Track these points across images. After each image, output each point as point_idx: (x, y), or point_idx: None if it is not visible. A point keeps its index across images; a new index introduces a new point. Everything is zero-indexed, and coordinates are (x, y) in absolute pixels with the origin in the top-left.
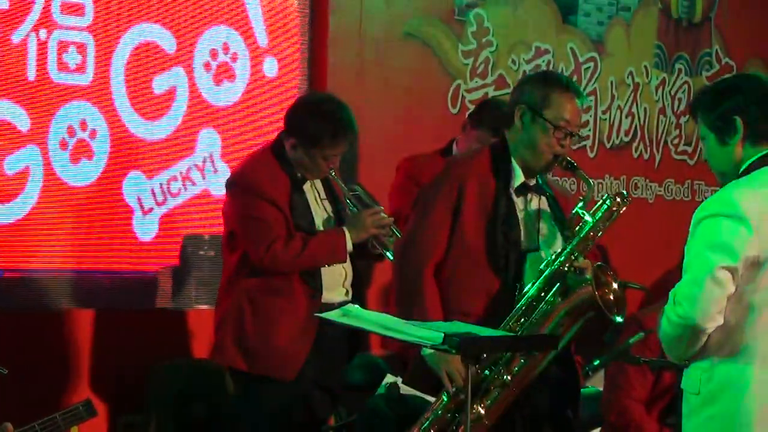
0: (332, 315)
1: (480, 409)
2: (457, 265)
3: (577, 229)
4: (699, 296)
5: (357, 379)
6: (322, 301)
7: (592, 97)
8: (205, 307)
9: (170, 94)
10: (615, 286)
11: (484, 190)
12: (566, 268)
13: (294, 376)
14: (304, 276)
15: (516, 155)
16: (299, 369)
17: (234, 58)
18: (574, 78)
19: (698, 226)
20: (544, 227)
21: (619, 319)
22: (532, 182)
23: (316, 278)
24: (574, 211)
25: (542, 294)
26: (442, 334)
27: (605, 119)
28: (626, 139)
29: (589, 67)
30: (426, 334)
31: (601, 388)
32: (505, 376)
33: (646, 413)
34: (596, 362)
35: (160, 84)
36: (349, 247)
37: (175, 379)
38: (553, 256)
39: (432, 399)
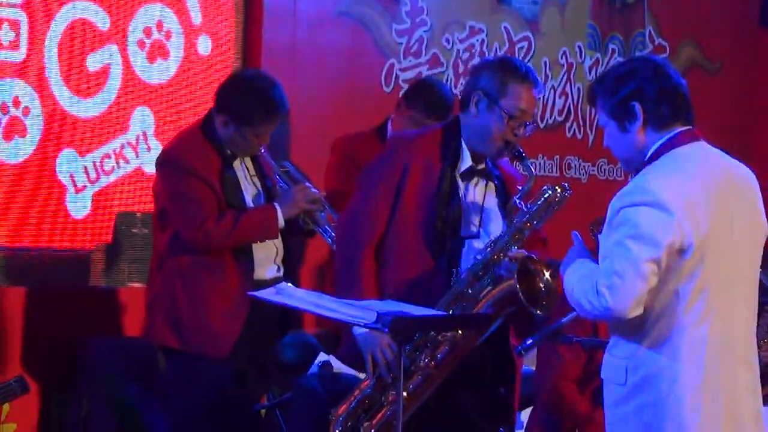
0: (265, 293)
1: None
2: (394, 245)
3: (514, 218)
4: (622, 289)
5: (290, 358)
6: (255, 277)
7: None
8: (137, 284)
9: (104, 72)
10: (547, 275)
11: (428, 170)
12: (499, 258)
13: (226, 354)
14: (235, 253)
15: (467, 139)
16: (232, 347)
17: (168, 36)
18: None
19: (618, 215)
20: (487, 213)
21: (539, 312)
22: (480, 166)
23: (248, 255)
24: (511, 202)
25: (473, 282)
26: (375, 313)
27: (539, 99)
28: (560, 119)
29: (523, 46)
30: (359, 312)
31: (534, 368)
32: (429, 361)
33: (579, 393)
34: (529, 342)
35: (93, 62)
36: (281, 222)
37: (108, 357)
38: (488, 245)
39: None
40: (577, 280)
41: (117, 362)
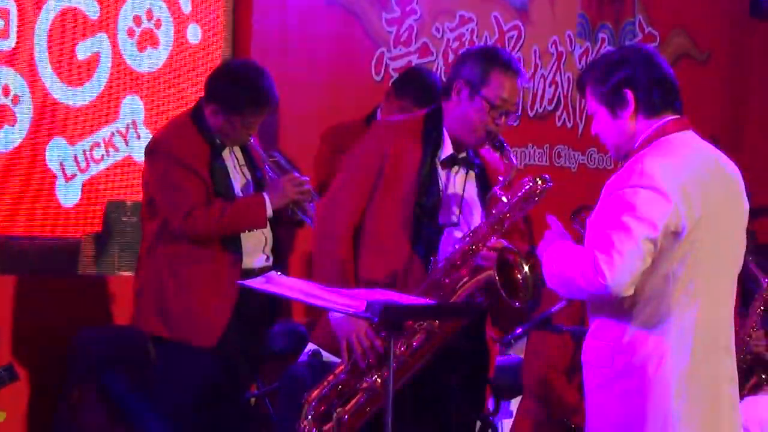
0: (254, 282)
1: (377, 378)
2: (372, 231)
3: (493, 209)
4: (621, 266)
5: (279, 347)
6: (243, 267)
7: None
8: (127, 273)
9: (93, 61)
10: (526, 268)
11: (409, 157)
12: (477, 248)
13: (215, 342)
14: (224, 242)
15: (448, 127)
16: (220, 336)
17: (157, 25)
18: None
19: (613, 196)
20: (466, 202)
21: (517, 304)
22: (462, 155)
23: (237, 244)
24: (491, 192)
25: (450, 272)
26: (365, 302)
27: (528, 88)
28: (549, 108)
29: (513, 35)
30: (348, 301)
31: (522, 357)
32: (405, 349)
33: (567, 382)
34: (518, 331)
35: (83, 50)
36: (269, 212)
37: (98, 345)
38: (467, 234)
39: None
40: (568, 259)
41: (107, 350)
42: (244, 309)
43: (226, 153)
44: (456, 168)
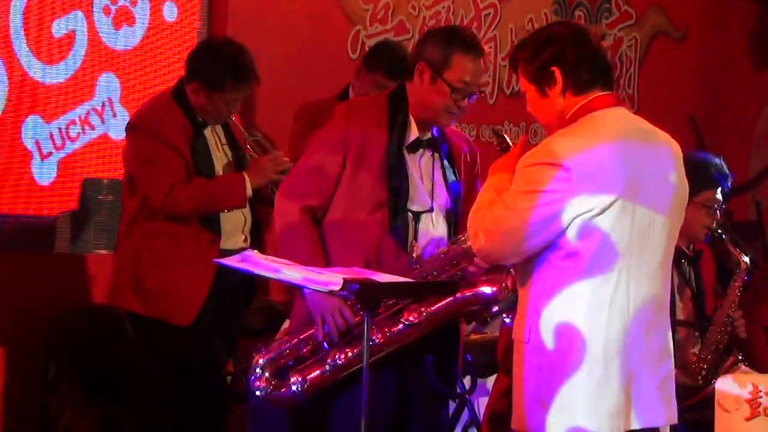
0: (231, 261)
1: (343, 356)
2: (339, 217)
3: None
4: (498, 235)
5: (255, 325)
6: (222, 247)
7: (492, 44)
8: (103, 251)
9: (69, 38)
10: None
11: (375, 140)
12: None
13: (191, 320)
14: (203, 221)
15: (413, 108)
16: (197, 314)
17: (133, 3)
18: (474, 25)
19: (519, 173)
20: (436, 185)
21: (499, 308)
22: (427, 136)
23: (215, 224)
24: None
25: (439, 273)
26: (342, 280)
27: (505, 66)
28: None
29: (489, 13)
30: (325, 279)
31: (498, 335)
32: (380, 336)
33: None
34: (494, 309)
35: (59, 28)
36: (249, 192)
37: (74, 324)
38: (453, 241)
39: None
40: (478, 202)
41: (83, 328)
42: (221, 287)
43: (207, 132)
44: (421, 151)
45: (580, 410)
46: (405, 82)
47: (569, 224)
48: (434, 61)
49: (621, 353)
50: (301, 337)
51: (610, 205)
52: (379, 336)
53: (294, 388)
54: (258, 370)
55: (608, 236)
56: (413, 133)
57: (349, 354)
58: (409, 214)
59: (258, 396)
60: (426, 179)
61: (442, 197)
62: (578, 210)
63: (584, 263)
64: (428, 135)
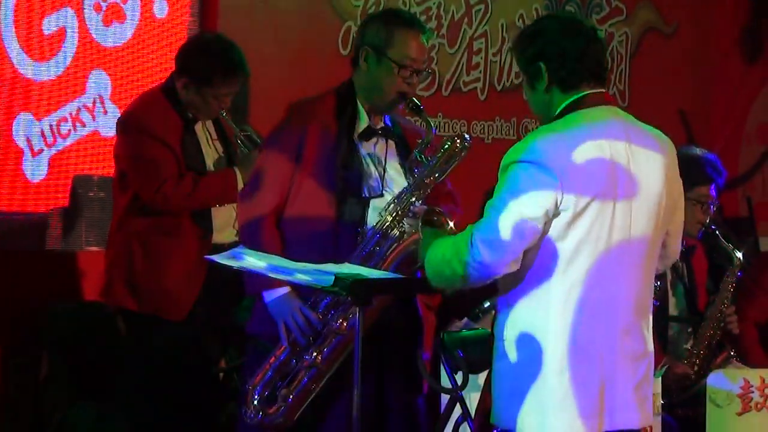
0: (222, 257)
1: (317, 355)
2: (297, 212)
3: (415, 173)
4: (498, 244)
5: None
6: (213, 242)
7: (483, 40)
8: (94, 248)
9: (60, 35)
10: (451, 225)
11: (326, 134)
12: (403, 213)
13: (183, 316)
14: (194, 217)
15: (361, 97)
16: (189, 310)
17: None
18: (465, 21)
19: (504, 171)
20: (389, 172)
21: None
22: (379, 125)
23: (207, 219)
24: (412, 156)
25: (380, 240)
26: (333, 276)
27: (496, 62)
28: (516, 82)
29: (480, 9)
30: (315, 275)
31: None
32: (341, 323)
33: None
34: (486, 304)
35: (49, 25)
36: (240, 187)
37: (66, 320)
38: (391, 201)
39: None
40: (443, 248)
41: (75, 326)
42: (213, 283)
43: (198, 127)
44: (375, 139)
45: (551, 409)
46: (352, 74)
47: (546, 222)
48: (376, 42)
49: (594, 354)
50: (276, 353)
51: (588, 205)
52: (341, 321)
53: (284, 401)
54: (255, 403)
55: (585, 236)
56: (364, 122)
57: (325, 350)
58: (361, 200)
59: (252, 425)
60: (378, 166)
61: (399, 182)
62: (555, 208)
63: (559, 263)
64: (380, 124)
